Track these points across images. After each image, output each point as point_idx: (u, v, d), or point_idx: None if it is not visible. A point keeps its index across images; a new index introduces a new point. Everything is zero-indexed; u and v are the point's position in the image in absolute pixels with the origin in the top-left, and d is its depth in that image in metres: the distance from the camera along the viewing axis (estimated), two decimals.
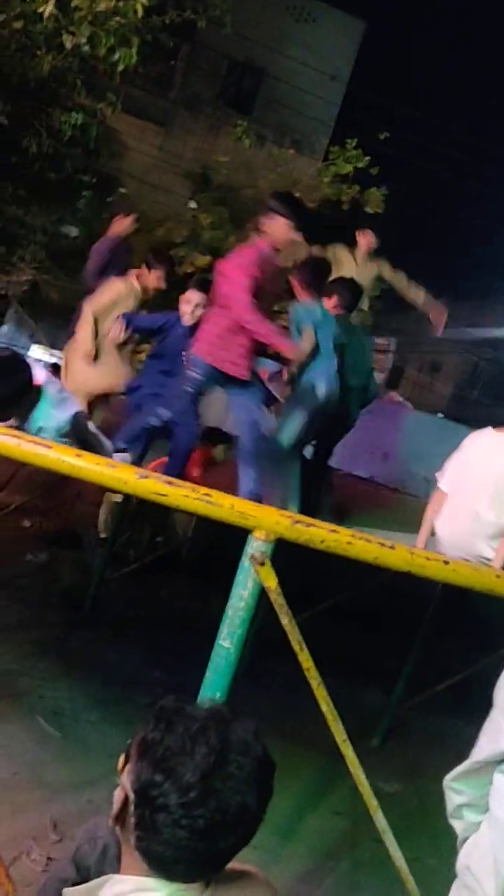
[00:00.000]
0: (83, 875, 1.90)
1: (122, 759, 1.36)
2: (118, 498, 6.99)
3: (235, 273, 4.54)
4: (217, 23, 9.19)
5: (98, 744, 4.47)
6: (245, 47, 15.04)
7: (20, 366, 3.72)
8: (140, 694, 5.08)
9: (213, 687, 2.39)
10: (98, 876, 1.43)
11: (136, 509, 7.37)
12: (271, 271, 4.65)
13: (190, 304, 5.45)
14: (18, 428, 3.51)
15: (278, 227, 4.57)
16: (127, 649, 5.84)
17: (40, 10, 5.72)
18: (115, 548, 6.98)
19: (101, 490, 6.58)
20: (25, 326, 15.36)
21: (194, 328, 5.23)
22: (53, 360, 11.54)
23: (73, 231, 8.61)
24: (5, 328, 16.92)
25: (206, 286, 5.39)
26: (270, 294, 4.87)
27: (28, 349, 13.35)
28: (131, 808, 1.28)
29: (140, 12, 5.91)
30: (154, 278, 6.15)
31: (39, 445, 2.29)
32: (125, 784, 1.31)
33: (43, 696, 4.83)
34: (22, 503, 7.78)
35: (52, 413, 3.91)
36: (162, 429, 5.27)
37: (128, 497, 5.89)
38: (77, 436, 3.98)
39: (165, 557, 7.53)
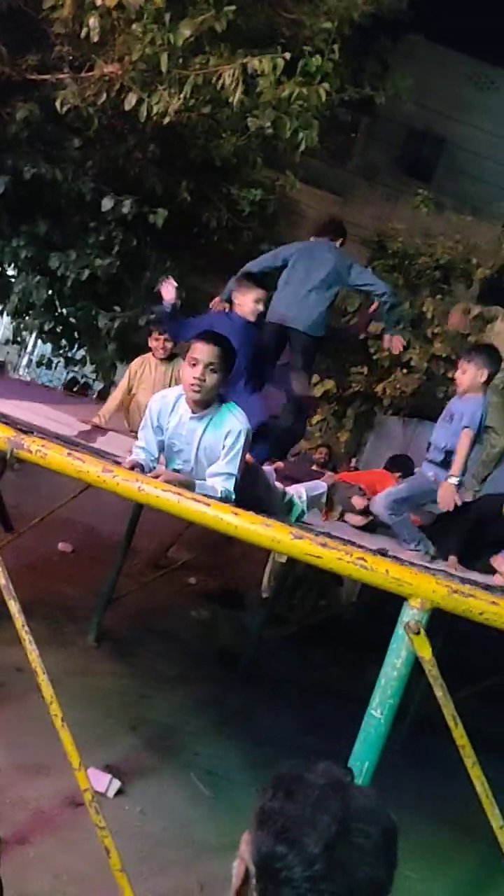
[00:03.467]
0: None
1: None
2: (282, 559, 7.01)
3: None
4: (397, 97, 9.36)
5: (248, 807, 4.28)
6: (425, 117, 15.18)
7: None
8: (292, 759, 4.97)
9: (362, 757, 2.30)
10: None
11: (301, 571, 7.36)
12: None
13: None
14: None
15: None
16: (281, 712, 5.77)
17: (229, 98, 6.04)
18: (276, 609, 6.98)
19: (267, 550, 6.64)
20: None
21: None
22: None
23: None
24: None
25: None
26: None
27: None
28: (253, 881, 1.22)
29: (323, 97, 6.10)
30: None
31: (198, 503, 2.35)
32: (244, 856, 1.23)
33: (197, 753, 4.85)
34: (189, 561, 7.98)
35: None
36: None
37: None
38: None
39: (326, 622, 7.44)
